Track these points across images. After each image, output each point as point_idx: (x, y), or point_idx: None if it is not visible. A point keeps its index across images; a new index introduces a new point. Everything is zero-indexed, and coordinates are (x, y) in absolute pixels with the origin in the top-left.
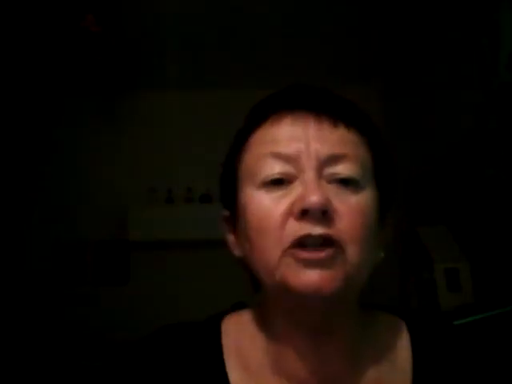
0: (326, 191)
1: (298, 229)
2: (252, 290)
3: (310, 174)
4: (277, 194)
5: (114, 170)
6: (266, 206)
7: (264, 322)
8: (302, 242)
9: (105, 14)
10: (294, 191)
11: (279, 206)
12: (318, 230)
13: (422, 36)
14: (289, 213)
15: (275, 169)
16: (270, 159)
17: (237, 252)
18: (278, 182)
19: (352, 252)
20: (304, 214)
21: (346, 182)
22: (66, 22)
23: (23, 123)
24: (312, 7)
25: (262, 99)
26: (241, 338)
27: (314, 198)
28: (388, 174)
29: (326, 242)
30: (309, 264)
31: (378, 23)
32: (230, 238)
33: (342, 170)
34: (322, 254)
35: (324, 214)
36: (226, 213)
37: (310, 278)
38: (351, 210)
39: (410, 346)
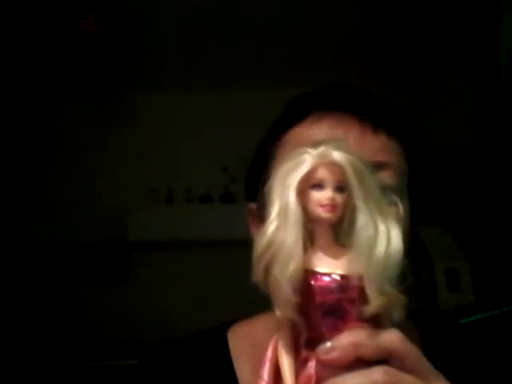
0: None
1: None
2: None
3: None
4: None
5: (114, 170)
6: None
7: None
8: None
9: (105, 14)
10: None
11: None
12: None
13: (422, 36)
14: None
15: None
16: None
17: None
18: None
19: None
20: None
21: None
22: (66, 22)
23: (23, 124)
24: (312, 7)
25: (300, 94)
26: (256, 344)
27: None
28: (421, 185)
29: None
30: None
31: (377, 23)
32: (254, 231)
33: (381, 178)
34: None
35: None
36: (253, 206)
37: None
38: None
39: (421, 346)
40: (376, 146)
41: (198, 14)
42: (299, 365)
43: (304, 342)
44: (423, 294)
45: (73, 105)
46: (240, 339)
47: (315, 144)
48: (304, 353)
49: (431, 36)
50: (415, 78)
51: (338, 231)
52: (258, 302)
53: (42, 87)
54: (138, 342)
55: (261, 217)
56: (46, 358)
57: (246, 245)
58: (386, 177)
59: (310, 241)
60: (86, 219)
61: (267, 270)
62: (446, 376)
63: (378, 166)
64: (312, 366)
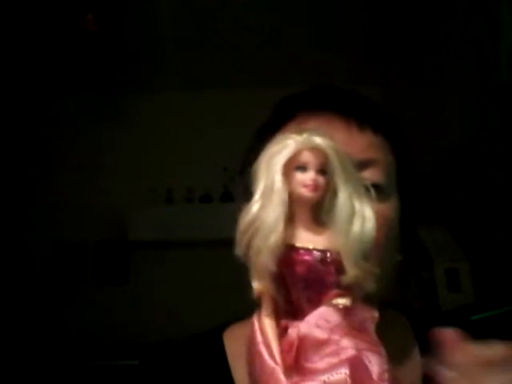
0: None
1: None
2: None
3: None
4: None
5: (114, 170)
6: None
7: None
8: None
9: (104, 14)
10: None
11: None
12: None
13: (422, 36)
14: None
15: None
16: None
17: None
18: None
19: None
20: None
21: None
22: (65, 21)
23: (22, 123)
24: (312, 7)
25: (286, 97)
26: None
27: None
28: (410, 181)
29: None
30: None
31: (377, 24)
32: None
33: (369, 176)
34: None
35: None
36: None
37: None
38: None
39: (415, 339)
40: (362, 143)
41: (197, 14)
42: (280, 332)
43: (283, 312)
44: (423, 293)
45: (72, 104)
46: (236, 340)
47: (299, 132)
48: (283, 322)
49: (431, 36)
50: (415, 78)
51: (317, 210)
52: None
53: (42, 87)
54: (138, 342)
55: None
56: (46, 358)
57: None
58: (374, 174)
59: (291, 220)
60: (86, 219)
61: (249, 244)
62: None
63: (365, 164)
64: (293, 332)
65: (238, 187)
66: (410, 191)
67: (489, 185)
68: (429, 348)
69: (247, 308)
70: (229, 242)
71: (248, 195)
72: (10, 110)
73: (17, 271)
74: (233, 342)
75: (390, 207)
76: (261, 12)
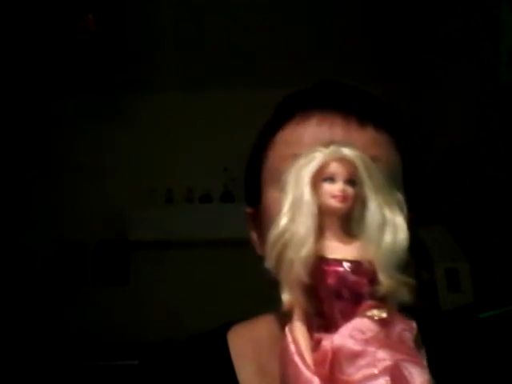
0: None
1: None
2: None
3: None
4: None
5: (114, 170)
6: None
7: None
8: None
9: (104, 14)
10: None
11: None
12: None
13: (422, 36)
14: None
15: None
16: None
17: (259, 250)
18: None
19: None
20: None
21: None
22: (66, 21)
23: (22, 123)
24: (312, 7)
25: (288, 96)
26: (258, 346)
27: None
28: (417, 178)
29: None
30: None
31: (377, 24)
32: (253, 235)
33: None
34: None
35: None
36: (250, 210)
37: None
38: None
39: (422, 340)
40: (363, 140)
41: (197, 14)
42: (313, 346)
43: (315, 325)
44: (423, 293)
45: (72, 104)
46: (240, 340)
47: (326, 144)
48: (316, 335)
49: (431, 36)
50: (415, 78)
51: (347, 221)
52: (258, 301)
53: (43, 86)
54: (138, 342)
55: (257, 222)
56: (46, 358)
57: (245, 245)
58: None
59: (320, 232)
60: (86, 219)
61: (280, 256)
62: (445, 370)
63: None
64: (327, 344)
65: (239, 186)
66: (417, 189)
67: (489, 185)
68: (434, 350)
69: (247, 307)
70: (228, 242)
71: (250, 195)
72: (10, 109)
73: (17, 271)
74: (237, 342)
75: None
76: (261, 12)
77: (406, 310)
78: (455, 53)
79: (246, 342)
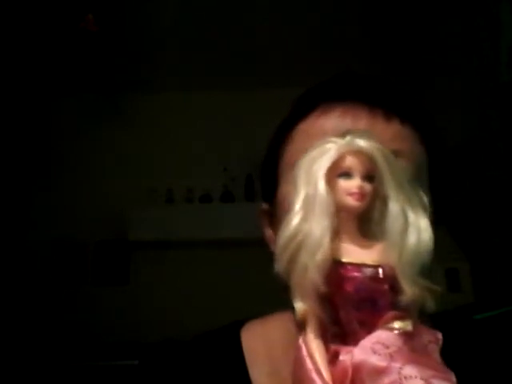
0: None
1: None
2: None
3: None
4: None
5: (114, 170)
6: None
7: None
8: None
9: (104, 14)
10: None
11: None
12: None
13: (422, 36)
14: None
15: None
16: None
17: (273, 247)
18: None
19: None
20: None
21: None
22: (66, 21)
23: (22, 123)
24: (312, 7)
25: (308, 89)
26: (272, 346)
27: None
28: (443, 173)
29: None
30: None
31: (376, 24)
32: (268, 232)
33: None
34: None
35: None
36: (265, 206)
37: None
38: None
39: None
40: (388, 134)
41: (197, 14)
42: (330, 359)
43: (331, 335)
44: None
45: (72, 104)
46: (254, 339)
47: (340, 134)
48: (333, 347)
49: (431, 36)
50: (415, 78)
51: (366, 222)
52: (258, 301)
53: (42, 86)
54: (138, 342)
55: (274, 217)
56: (46, 358)
57: (246, 244)
58: None
59: (336, 233)
60: (86, 219)
61: (292, 260)
62: (463, 371)
63: None
64: (346, 359)
65: (239, 186)
66: (443, 185)
67: (489, 185)
68: (451, 345)
69: (247, 307)
70: (228, 242)
71: (266, 191)
72: (10, 109)
73: (17, 271)
74: (251, 340)
75: None
76: (261, 12)
77: (428, 317)
78: (455, 53)
79: (259, 341)
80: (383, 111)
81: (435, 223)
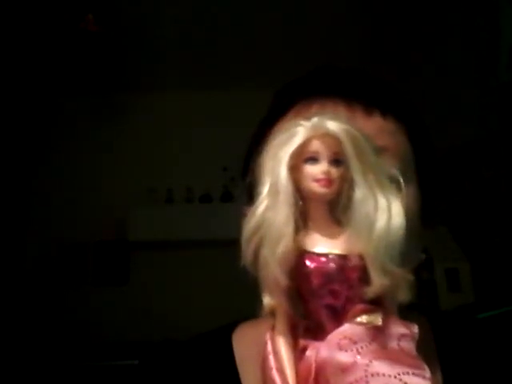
0: None
1: None
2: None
3: None
4: None
5: (114, 170)
6: None
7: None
8: None
9: (104, 14)
10: None
11: None
12: None
13: (422, 36)
14: None
15: None
16: None
17: None
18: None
19: None
20: None
21: None
22: (66, 21)
23: (22, 123)
24: (312, 7)
25: (285, 84)
26: (262, 348)
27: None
28: (432, 166)
29: None
30: None
31: (376, 24)
32: None
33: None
34: None
35: None
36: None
37: None
38: None
39: (433, 339)
40: (369, 128)
41: (197, 14)
42: (298, 355)
43: (303, 330)
44: (423, 293)
45: (72, 104)
46: (245, 342)
47: (309, 116)
48: (302, 342)
49: (431, 36)
50: (415, 79)
51: (334, 208)
52: (258, 301)
53: (42, 87)
54: (138, 342)
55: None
56: (46, 358)
57: None
58: (385, 162)
59: (303, 220)
60: (86, 219)
61: (257, 252)
62: (460, 370)
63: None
64: (311, 356)
65: (238, 187)
66: (431, 179)
67: (489, 185)
68: (445, 349)
69: (247, 308)
70: (228, 242)
71: (251, 196)
72: (10, 110)
73: (17, 271)
74: (242, 343)
75: (407, 198)
76: (261, 12)
77: (412, 308)
78: (455, 52)
79: (251, 345)
80: (363, 105)
81: (436, 224)
